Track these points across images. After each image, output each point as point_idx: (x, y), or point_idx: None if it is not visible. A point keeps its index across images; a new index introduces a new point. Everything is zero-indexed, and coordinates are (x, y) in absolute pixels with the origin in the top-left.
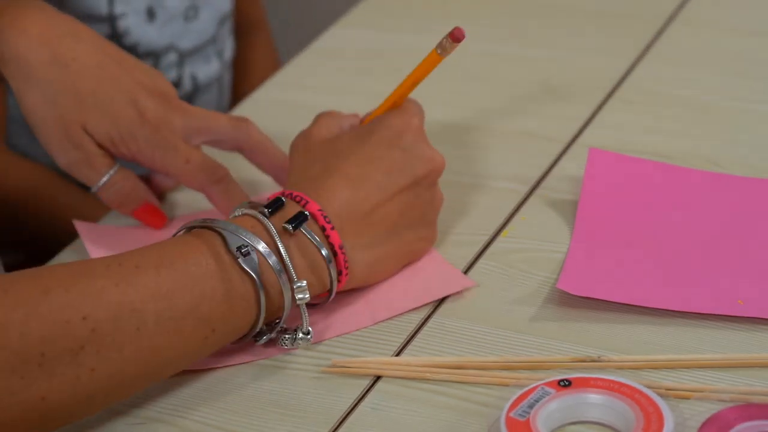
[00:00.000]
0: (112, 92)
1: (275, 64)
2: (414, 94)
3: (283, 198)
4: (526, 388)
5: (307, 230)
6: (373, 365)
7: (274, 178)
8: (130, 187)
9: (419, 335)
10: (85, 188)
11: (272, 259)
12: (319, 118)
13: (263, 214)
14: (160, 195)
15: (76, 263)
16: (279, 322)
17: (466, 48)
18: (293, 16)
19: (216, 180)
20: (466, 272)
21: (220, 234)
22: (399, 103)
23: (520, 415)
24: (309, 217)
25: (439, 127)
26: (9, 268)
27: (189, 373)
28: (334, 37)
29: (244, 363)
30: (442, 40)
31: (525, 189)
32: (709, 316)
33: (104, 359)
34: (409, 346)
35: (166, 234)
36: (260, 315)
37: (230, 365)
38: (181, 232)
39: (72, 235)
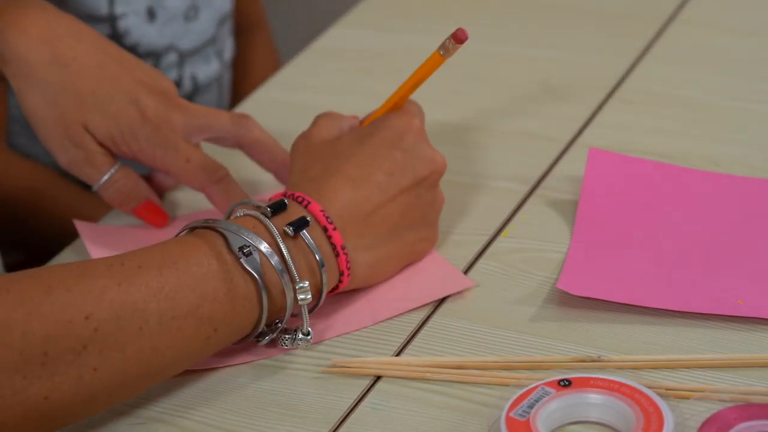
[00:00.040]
0: (113, 92)
1: (275, 64)
2: (414, 95)
3: (285, 199)
4: (526, 388)
5: (306, 235)
6: (373, 365)
7: (275, 175)
8: (131, 185)
9: (419, 335)
10: (86, 188)
11: (274, 260)
12: (319, 119)
13: (265, 214)
14: (161, 194)
15: (78, 263)
16: (280, 322)
17: (467, 48)
18: (293, 16)
19: (216, 180)
20: (466, 272)
21: (222, 234)
22: (400, 105)
23: (520, 415)
24: (310, 222)
25: (439, 127)
26: (10, 268)
27: (190, 373)
28: (334, 37)
29: (244, 363)
30: (445, 41)
31: (525, 189)
32: (709, 316)
33: (107, 359)
34: (409, 346)
35: (166, 234)
36: (262, 315)
37: (231, 365)
38: (183, 233)
39: (72, 235)
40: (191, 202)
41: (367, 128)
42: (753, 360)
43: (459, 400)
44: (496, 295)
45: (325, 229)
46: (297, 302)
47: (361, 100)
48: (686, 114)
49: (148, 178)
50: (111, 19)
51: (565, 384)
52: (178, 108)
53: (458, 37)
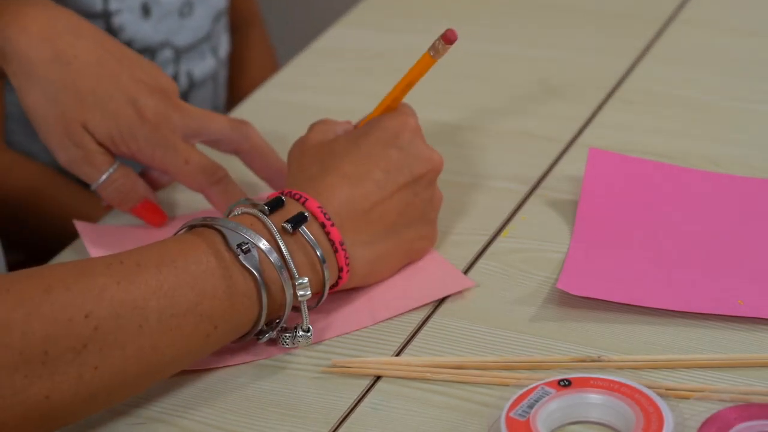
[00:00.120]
0: (112, 90)
1: (271, 60)
2: (414, 94)
3: (282, 197)
4: (526, 388)
5: (305, 231)
6: (373, 365)
7: (269, 183)
8: (129, 184)
9: (419, 335)
10: (86, 187)
11: (273, 256)
12: (313, 125)
13: (263, 212)
14: (156, 191)
15: (77, 262)
16: (280, 320)
17: (467, 48)
18: (293, 16)
19: (215, 181)
20: (466, 272)
21: (220, 232)
22: (393, 107)
23: (520, 415)
24: (308, 217)
25: (440, 127)
26: (10, 268)
27: (189, 373)
28: (334, 37)
29: (244, 363)
30: (435, 42)
31: (525, 189)
32: (709, 316)
33: (107, 357)
34: (409, 346)
35: (166, 233)
36: (262, 312)
37: (231, 365)
38: (182, 231)
39: (72, 235)
40: (190, 202)
41: (363, 128)
42: (753, 360)
43: (459, 400)
44: (496, 295)
45: (323, 225)
46: (297, 299)
47: (361, 100)
48: (686, 114)
49: (143, 175)
50: (105, 16)
51: (565, 384)
52: (178, 109)
53: (448, 38)
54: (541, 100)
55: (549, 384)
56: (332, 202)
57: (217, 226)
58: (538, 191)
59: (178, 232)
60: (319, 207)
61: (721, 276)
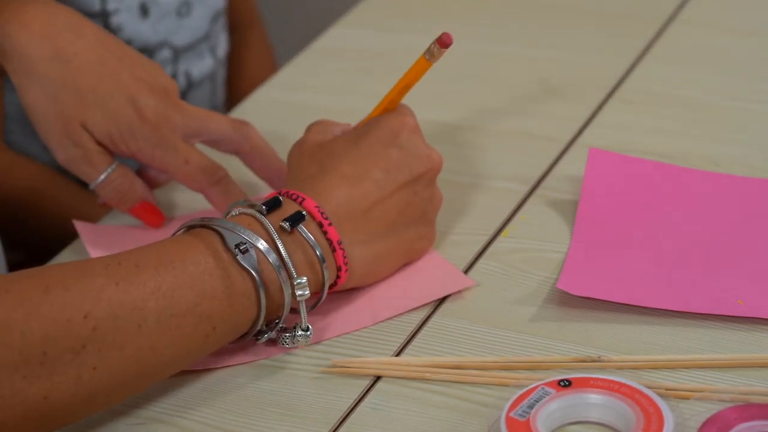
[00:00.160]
0: (112, 89)
1: (270, 60)
2: (414, 95)
3: (280, 197)
4: (526, 388)
5: (303, 229)
6: (373, 365)
7: (269, 184)
8: (128, 184)
9: (419, 335)
10: (85, 187)
11: (271, 257)
12: (311, 126)
13: (260, 212)
14: (153, 189)
15: (76, 263)
16: (279, 320)
17: (467, 48)
18: (293, 16)
19: (215, 181)
20: (466, 272)
21: (218, 232)
22: (390, 109)
23: (520, 415)
24: (306, 216)
25: (439, 127)
26: (10, 268)
27: (189, 373)
28: (334, 37)
29: (244, 363)
30: (430, 45)
31: (525, 189)
32: (709, 316)
33: (106, 358)
34: (409, 346)
35: (165, 233)
36: (261, 312)
37: (230, 365)
38: (180, 232)
39: (72, 235)
40: (189, 202)
41: (362, 128)
42: (753, 360)
43: (459, 400)
44: (496, 295)
45: (321, 225)
46: (296, 299)
47: (361, 100)
48: (686, 114)
49: (140, 173)
50: (103, 15)
51: (565, 384)
52: (178, 109)
53: (443, 42)
54: (541, 100)
55: (549, 384)
56: (330, 201)
57: (214, 227)
58: (538, 191)
59: (176, 232)
60: (316, 206)
61: (721, 276)
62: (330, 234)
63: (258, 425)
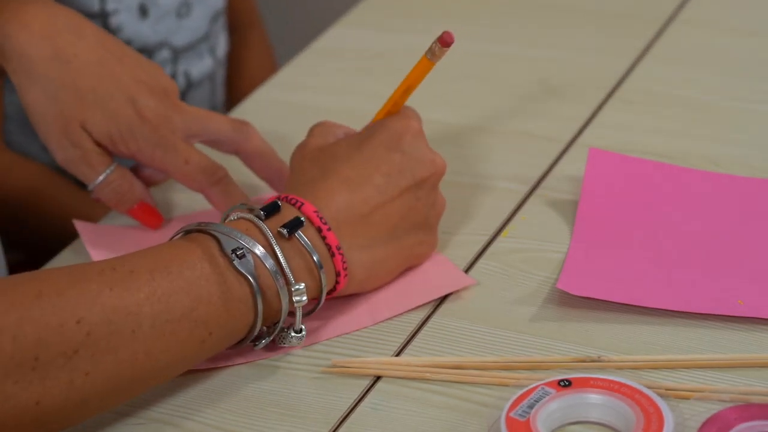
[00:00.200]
0: (112, 90)
1: (270, 60)
2: (414, 95)
3: (279, 201)
4: (526, 388)
5: (301, 235)
6: (373, 365)
7: (269, 184)
8: (126, 186)
9: (419, 335)
10: (84, 187)
11: (268, 262)
12: (314, 128)
13: (258, 217)
14: (150, 188)
15: (70, 267)
16: (277, 325)
17: (467, 48)
18: (293, 16)
19: (215, 181)
20: (466, 272)
21: (215, 237)
22: (394, 112)
23: (520, 415)
24: (304, 222)
25: (439, 127)
26: (10, 267)
27: (189, 373)
28: (334, 37)
29: (244, 363)
30: (432, 45)
31: (525, 189)
32: (709, 316)
33: (99, 363)
34: (409, 346)
35: (166, 233)
36: (258, 318)
37: (230, 365)
38: (177, 236)
39: (72, 235)
40: (188, 202)
41: (365, 132)
42: (753, 360)
43: (459, 400)
44: (496, 295)
45: (320, 230)
46: (293, 304)
47: (361, 100)
48: (686, 114)
49: (136, 171)
50: (103, 16)
51: (565, 384)
52: (178, 109)
53: (444, 41)
54: (541, 100)
55: (549, 384)
56: (330, 206)
57: (211, 232)
58: (538, 191)
59: (173, 237)
60: (315, 211)
61: (721, 276)
62: (329, 239)
63: (258, 425)
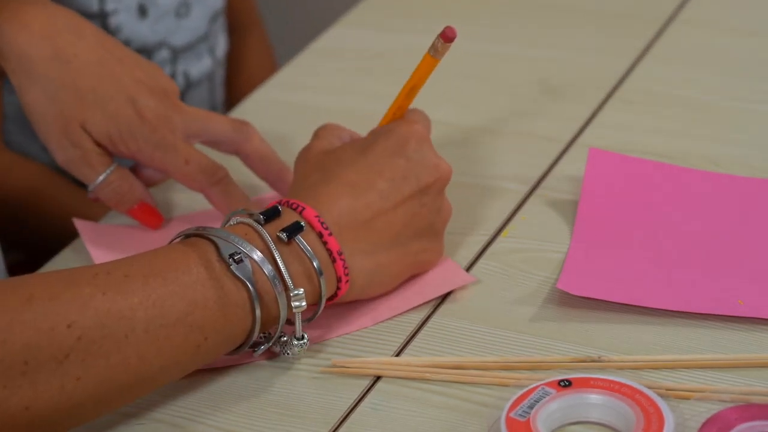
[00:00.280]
0: (112, 90)
1: (270, 60)
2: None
3: (279, 206)
4: (526, 389)
5: (301, 240)
6: (373, 365)
7: (270, 185)
8: (126, 186)
9: (419, 335)
10: (84, 187)
11: (267, 267)
12: (318, 131)
13: (258, 221)
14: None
15: (63, 272)
16: (276, 332)
17: (467, 48)
18: (292, 16)
19: (215, 181)
20: (466, 272)
21: (212, 242)
22: (400, 114)
23: (520, 415)
24: (305, 227)
25: (439, 127)
26: (10, 267)
27: (189, 373)
28: (334, 37)
29: (244, 363)
30: (434, 41)
31: (525, 189)
32: (709, 316)
33: (90, 367)
34: (409, 346)
35: (166, 233)
36: (255, 323)
37: (231, 365)
38: (176, 241)
39: (72, 235)
40: (188, 202)
41: (370, 136)
42: (753, 360)
43: (459, 400)
44: (496, 295)
45: (320, 235)
46: (291, 310)
47: (361, 100)
48: (686, 114)
49: (135, 171)
50: (102, 16)
51: (565, 384)
52: (178, 110)
53: (447, 36)
54: (541, 100)
55: (549, 384)
56: (332, 211)
57: (209, 236)
58: (538, 191)
59: (171, 241)
60: (316, 216)
61: (721, 276)
62: (330, 244)
63: (258, 425)
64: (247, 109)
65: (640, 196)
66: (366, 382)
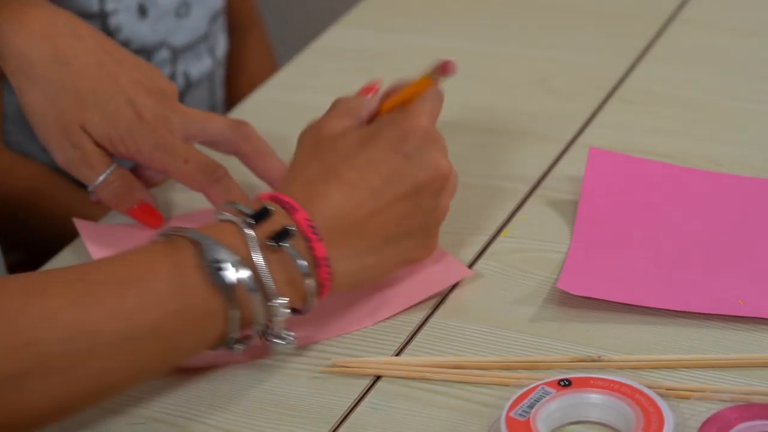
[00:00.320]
0: (111, 91)
1: (270, 60)
2: None
3: (269, 207)
4: (527, 388)
5: (288, 246)
6: (373, 365)
7: (269, 184)
8: (126, 186)
9: (419, 335)
10: (84, 187)
11: (246, 275)
12: (336, 106)
13: (246, 222)
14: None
15: (37, 276)
16: (254, 334)
17: (467, 48)
18: (293, 16)
19: (215, 180)
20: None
21: (194, 244)
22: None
23: (520, 415)
24: (294, 232)
25: (439, 127)
26: (10, 267)
27: (189, 373)
28: (334, 37)
29: (244, 362)
30: (431, 70)
31: (525, 189)
32: (709, 316)
33: (53, 382)
34: (409, 346)
35: None
36: (230, 329)
37: (231, 362)
38: (159, 240)
39: (72, 235)
40: (188, 202)
41: (373, 127)
42: (753, 360)
43: (459, 400)
44: (496, 295)
45: (308, 240)
46: (272, 316)
47: None
48: (686, 114)
49: (135, 172)
50: (102, 16)
51: (565, 384)
52: (176, 110)
53: (444, 70)
54: (541, 100)
55: (549, 384)
56: (324, 213)
57: (192, 238)
58: (538, 191)
59: (155, 238)
60: (307, 220)
61: (721, 276)
62: (317, 250)
63: (258, 425)
64: (246, 110)
65: (640, 195)
66: (366, 382)
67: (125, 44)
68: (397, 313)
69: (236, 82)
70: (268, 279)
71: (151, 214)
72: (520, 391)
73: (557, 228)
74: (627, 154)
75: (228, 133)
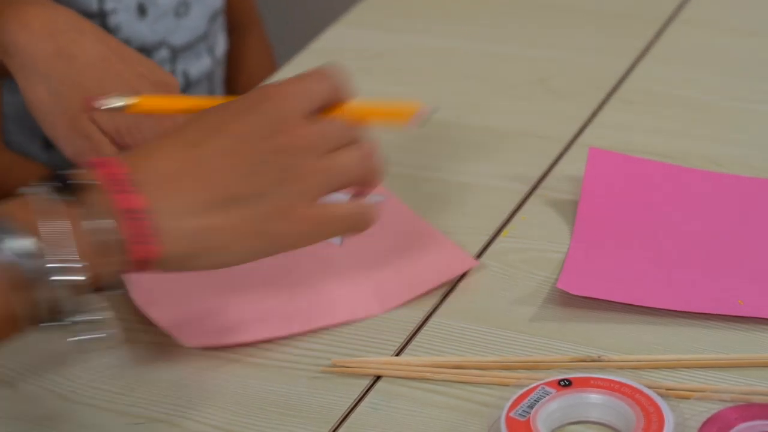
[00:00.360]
0: (116, 84)
1: (270, 60)
2: (415, 95)
3: (66, 172)
4: (527, 388)
5: (92, 203)
6: (373, 365)
7: None
8: None
9: (419, 335)
10: None
11: (26, 245)
12: (291, 81)
13: (49, 190)
14: None
15: None
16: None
17: (467, 48)
18: (293, 16)
19: None
20: (466, 273)
21: None
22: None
23: (520, 415)
24: (88, 186)
25: (439, 126)
26: None
27: (189, 373)
28: (334, 37)
29: (244, 362)
30: (413, 113)
31: (525, 189)
32: (709, 316)
33: None
34: (409, 346)
35: None
36: (20, 309)
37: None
38: None
39: None
40: None
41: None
42: (753, 360)
43: (459, 400)
44: (496, 295)
45: (111, 192)
46: (64, 290)
47: None
48: (686, 114)
49: None
50: (101, 15)
51: (566, 384)
52: None
53: (419, 116)
54: (541, 100)
55: (549, 384)
56: (151, 164)
57: None
58: (538, 191)
59: None
60: (116, 173)
61: (721, 276)
62: (121, 202)
63: (258, 425)
64: None
65: (640, 195)
66: (366, 382)
67: (124, 44)
68: (405, 303)
69: (236, 82)
70: (72, 247)
71: None
72: (520, 391)
73: (557, 228)
74: (627, 154)
75: None
